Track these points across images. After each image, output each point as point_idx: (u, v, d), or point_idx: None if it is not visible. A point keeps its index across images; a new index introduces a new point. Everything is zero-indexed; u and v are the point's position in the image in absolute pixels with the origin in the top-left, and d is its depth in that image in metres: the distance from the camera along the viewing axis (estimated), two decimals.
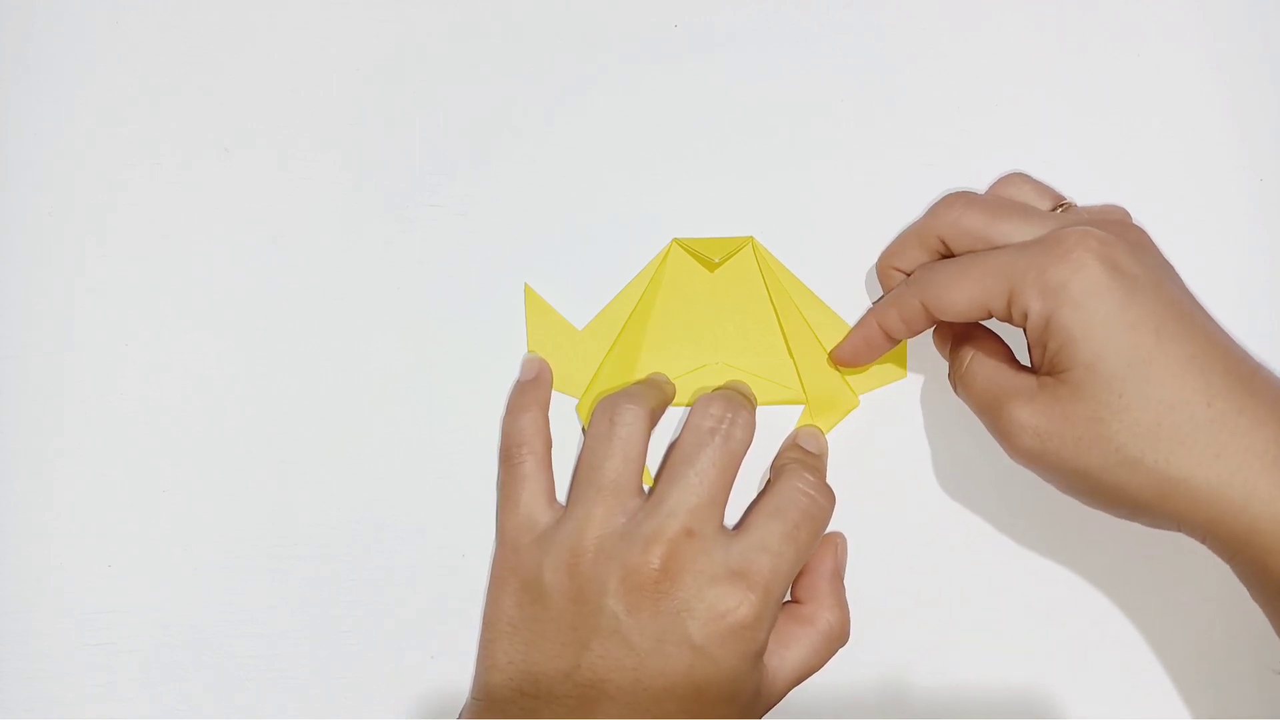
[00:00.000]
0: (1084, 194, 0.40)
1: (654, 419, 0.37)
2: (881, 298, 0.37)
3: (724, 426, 0.34)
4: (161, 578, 0.39)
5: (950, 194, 0.36)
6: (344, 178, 0.40)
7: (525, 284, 0.40)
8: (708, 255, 0.39)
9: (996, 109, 0.40)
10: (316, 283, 0.40)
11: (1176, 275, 0.33)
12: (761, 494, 0.36)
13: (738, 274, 0.40)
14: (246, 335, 0.40)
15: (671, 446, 0.36)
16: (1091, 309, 0.30)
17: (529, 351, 0.39)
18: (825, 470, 0.37)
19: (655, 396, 0.37)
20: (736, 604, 0.31)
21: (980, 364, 0.34)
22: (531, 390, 0.38)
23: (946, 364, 0.37)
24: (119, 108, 0.41)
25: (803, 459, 0.37)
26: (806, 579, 0.36)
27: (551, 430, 0.38)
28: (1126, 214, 0.36)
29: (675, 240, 0.40)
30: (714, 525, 0.33)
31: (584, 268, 0.40)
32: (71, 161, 0.40)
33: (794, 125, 0.41)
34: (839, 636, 0.36)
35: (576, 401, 0.39)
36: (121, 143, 0.40)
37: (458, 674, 0.38)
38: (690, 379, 0.39)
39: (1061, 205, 0.35)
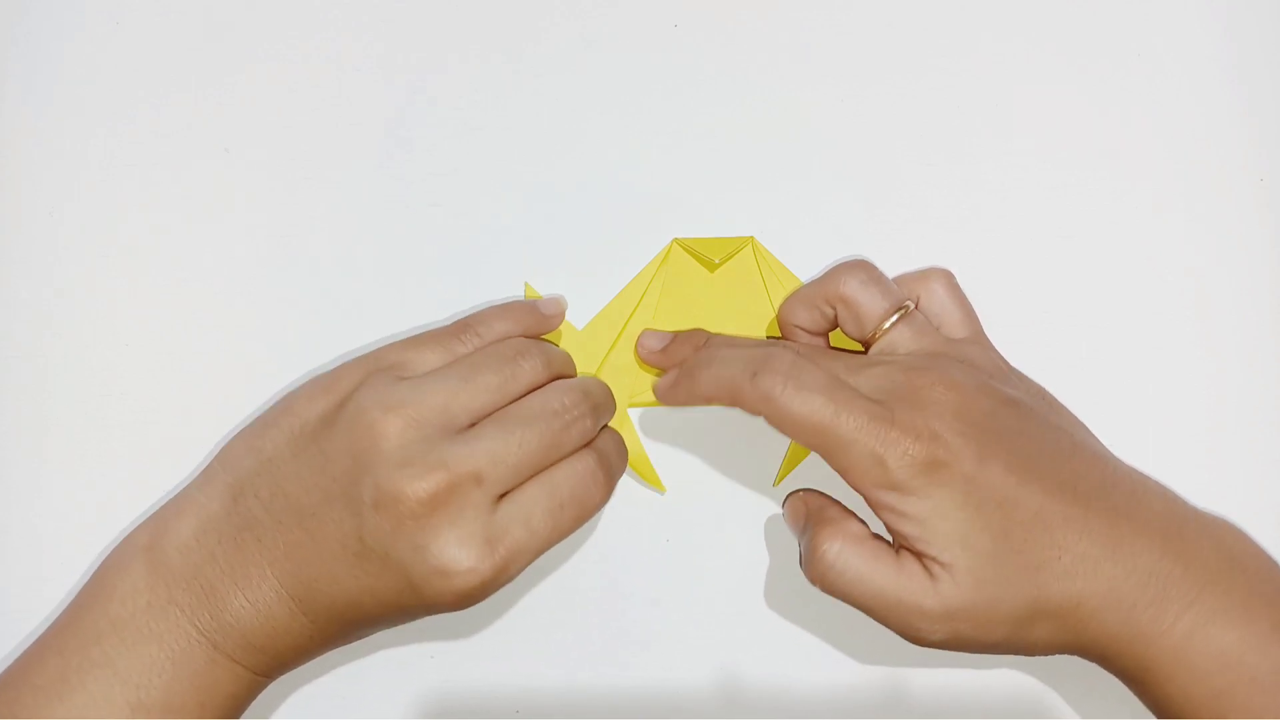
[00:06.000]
0: (1084, 194, 0.40)
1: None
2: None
3: (569, 417, 0.33)
4: None
5: (848, 262, 0.36)
6: (344, 178, 0.40)
7: (525, 284, 0.40)
8: (708, 255, 0.39)
9: (997, 108, 0.41)
10: (316, 282, 0.40)
11: (1001, 393, 0.33)
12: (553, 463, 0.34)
13: (738, 274, 0.40)
14: (247, 335, 0.40)
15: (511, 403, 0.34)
16: (938, 500, 0.31)
17: None
18: (618, 467, 0.35)
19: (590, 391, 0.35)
20: (468, 572, 0.31)
21: (853, 556, 0.33)
22: (534, 316, 0.37)
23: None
24: (119, 108, 0.41)
25: (604, 446, 0.35)
26: None
27: None
28: (951, 347, 0.35)
29: (675, 240, 0.40)
30: (503, 485, 0.32)
31: (584, 268, 0.40)
32: (71, 161, 0.40)
33: (794, 125, 0.41)
34: None
35: None
36: (121, 143, 0.40)
37: (458, 674, 0.38)
38: None
39: (901, 309, 0.35)
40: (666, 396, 0.36)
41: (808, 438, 0.32)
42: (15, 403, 0.39)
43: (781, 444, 0.39)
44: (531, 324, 0.37)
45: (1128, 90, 0.41)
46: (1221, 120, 0.40)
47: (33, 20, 0.41)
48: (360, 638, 0.34)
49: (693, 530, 0.39)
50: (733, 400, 0.33)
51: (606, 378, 0.39)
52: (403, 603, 0.32)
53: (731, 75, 0.41)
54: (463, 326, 0.36)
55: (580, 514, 0.33)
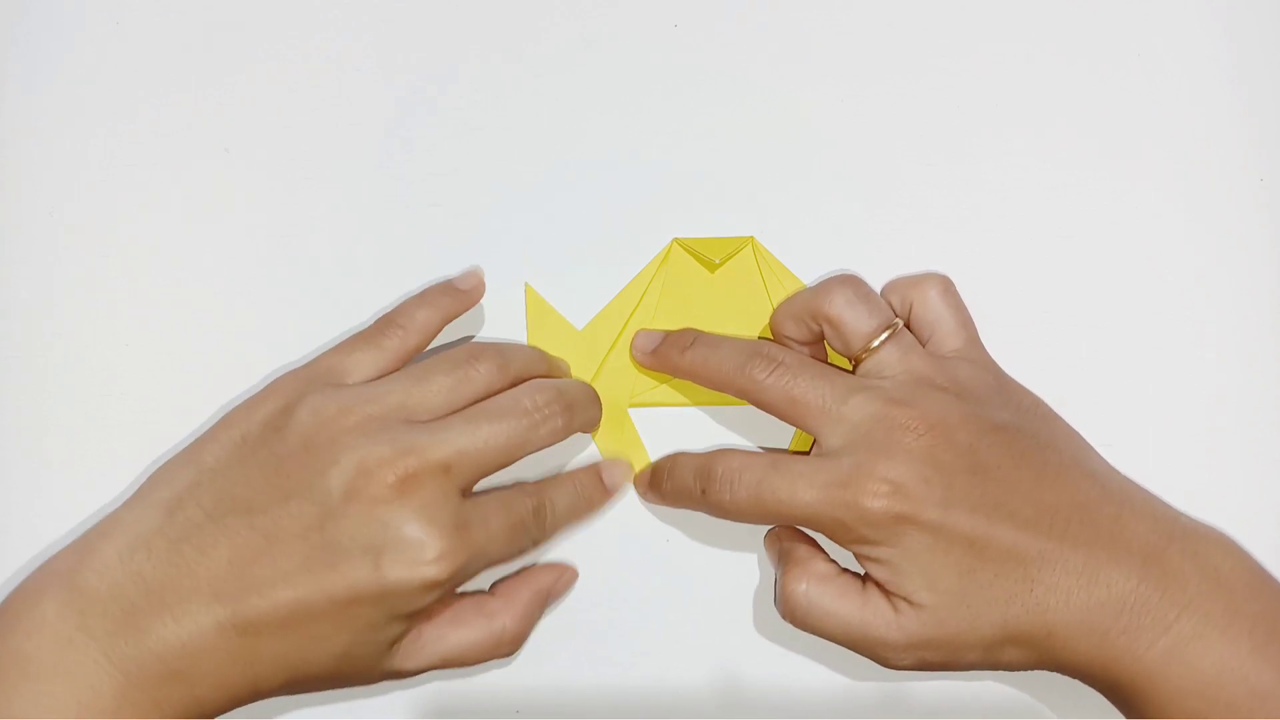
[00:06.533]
0: (1084, 194, 0.40)
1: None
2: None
3: (539, 417, 0.34)
4: None
5: (836, 278, 0.36)
6: (344, 178, 0.40)
7: (525, 284, 0.40)
8: (708, 255, 0.39)
9: (997, 109, 0.40)
10: (316, 283, 0.40)
11: (984, 422, 0.33)
12: (510, 487, 0.35)
13: (738, 274, 0.39)
14: (247, 335, 0.40)
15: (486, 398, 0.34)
16: (905, 546, 0.32)
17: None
18: (565, 518, 0.36)
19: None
20: (438, 559, 0.31)
21: (819, 595, 0.34)
22: (451, 296, 0.37)
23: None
24: (119, 108, 0.41)
25: (558, 492, 0.36)
26: (513, 582, 0.36)
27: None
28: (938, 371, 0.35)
29: (675, 240, 0.40)
30: (468, 479, 0.32)
31: (584, 268, 0.40)
32: (71, 161, 0.40)
33: (794, 125, 0.41)
34: (505, 645, 0.35)
35: None
36: (122, 142, 0.40)
37: (458, 674, 0.38)
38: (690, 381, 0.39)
39: (889, 328, 0.35)
40: (645, 497, 0.38)
41: (772, 522, 0.34)
42: (15, 403, 0.39)
43: (782, 444, 0.39)
44: (449, 304, 0.37)
45: (1128, 90, 0.41)
46: (1221, 120, 0.40)
47: (33, 20, 0.41)
48: (289, 677, 0.31)
49: (692, 530, 0.39)
50: (695, 509, 0.36)
51: (606, 378, 0.39)
52: (357, 595, 0.30)
53: (731, 75, 0.41)
54: (385, 321, 0.36)
55: (522, 546, 0.34)
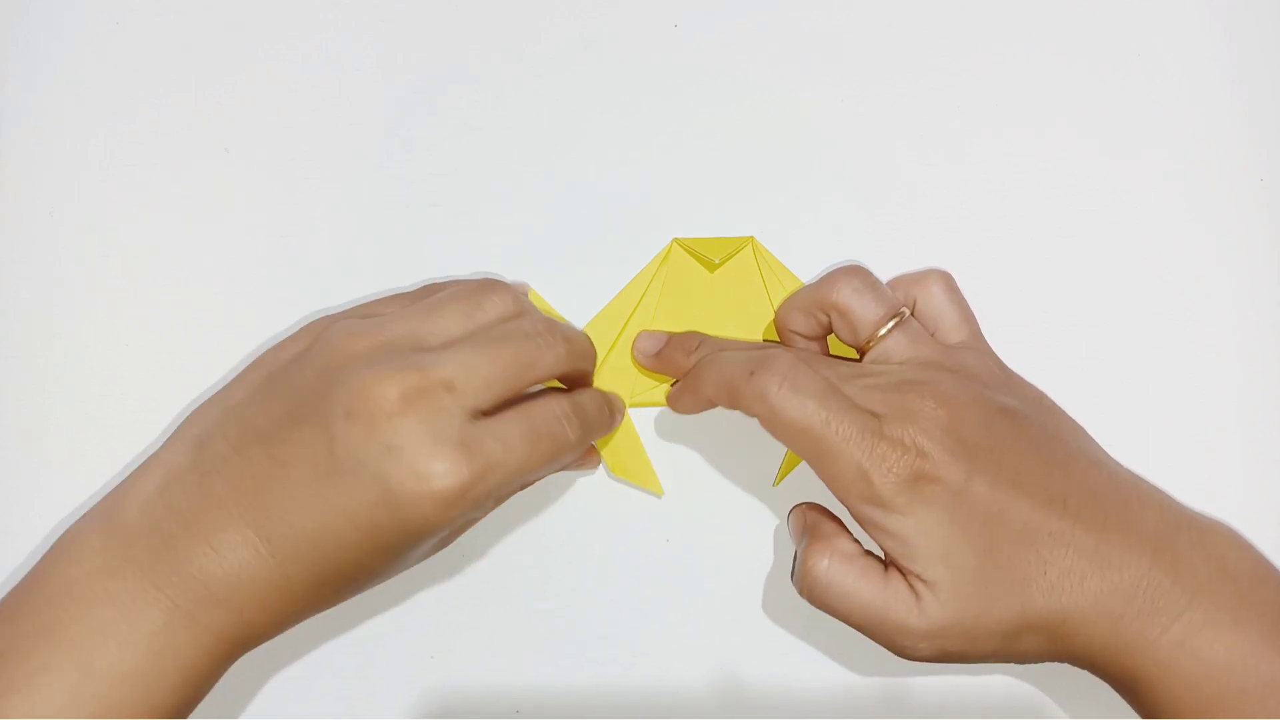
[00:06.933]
0: (1084, 194, 0.40)
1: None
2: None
3: (542, 342, 0.33)
4: None
5: (843, 268, 0.36)
6: (344, 178, 0.40)
7: (528, 288, 0.40)
8: (708, 255, 0.39)
9: (997, 109, 0.41)
10: (317, 283, 0.40)
11: (994, 404, 0.33)
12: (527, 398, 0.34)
13: (738, 274, 0.40)
14: (247, 335, 0.40)
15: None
16: (921, 517, 0.32)
17: None
18: (597, 422, 0.36)
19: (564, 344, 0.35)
20: (445, 474, 0.30)
21: (841, 574, 0.33)
22: (515, 293, 0.36)
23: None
24: (119, 108, 0.41)
25: (582, 396, 0.35)
26: None
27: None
28: (947, 357, 0.35)
29: (675, 240, 0.40)
30: (474, 397, 0.32)
31: (584, 268, 0.40)
32: (71, 161, 0.40)
33: (794, 125, 0.41)
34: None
35: None
36: (122, 142, 0.40)
37: (458, 674, 0.38)
38: None
39: (896, 316, 0.35)
40: (676, 404, 0.37)
41: (797, 442, 0.33)
42: (15, 403, 0.39)
43: (781, 445, 0.39)
44: (517, 296, 0.37)
45: (1128, 90, 0.41)
46: (1221, 120, 0.40)
47: (33, 20, 0.41)
48: (333, 593, 0.32)
49: (692, 530, 0.39)
50: (731, 399, 0.34)
51: (606, 378, 0.39)
52: (376, 520, 0.30)
53: (731, 75, 0.41)
54: (439, 285, 0.36)
55: (555, 450, 0.33)
